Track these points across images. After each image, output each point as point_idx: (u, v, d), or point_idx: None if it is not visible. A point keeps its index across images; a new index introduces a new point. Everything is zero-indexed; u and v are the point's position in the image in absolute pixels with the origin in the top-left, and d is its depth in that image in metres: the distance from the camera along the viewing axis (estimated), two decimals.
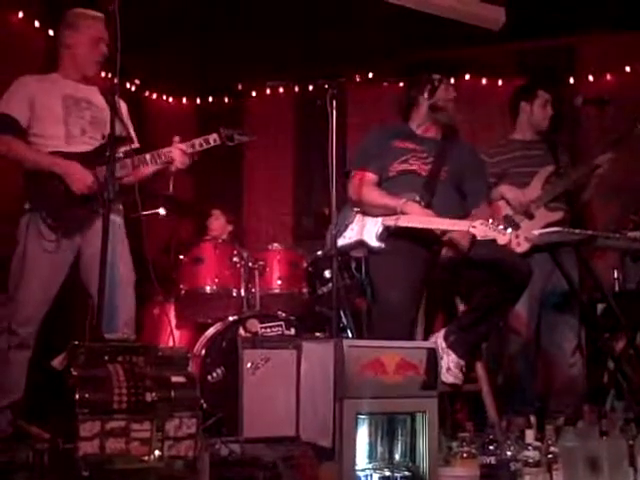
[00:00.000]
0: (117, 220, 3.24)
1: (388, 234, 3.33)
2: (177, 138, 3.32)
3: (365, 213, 3.45)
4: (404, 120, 3.62)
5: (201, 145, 3.35)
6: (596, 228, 4.32)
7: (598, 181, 3.93)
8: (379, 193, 3.43)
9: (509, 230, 3.16)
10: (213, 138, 3.37)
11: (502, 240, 3.08)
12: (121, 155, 3.14)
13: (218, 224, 5.18)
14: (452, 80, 3.69)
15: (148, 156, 3.28)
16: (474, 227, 3.12)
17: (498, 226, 3.12)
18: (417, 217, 3.28)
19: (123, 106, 3.42)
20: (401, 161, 3.47)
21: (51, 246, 3.13)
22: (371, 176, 3.46)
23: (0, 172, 3.68)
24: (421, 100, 3.54)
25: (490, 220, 3.14)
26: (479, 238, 3.12)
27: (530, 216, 3.81)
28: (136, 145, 3.29)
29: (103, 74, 3.46)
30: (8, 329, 3.12)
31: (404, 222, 3.28)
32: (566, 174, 3.90)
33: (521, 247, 3.72)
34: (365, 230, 3.40)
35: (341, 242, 3.39)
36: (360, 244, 3.41)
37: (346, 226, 3.48)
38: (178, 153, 3.28)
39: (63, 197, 3.17)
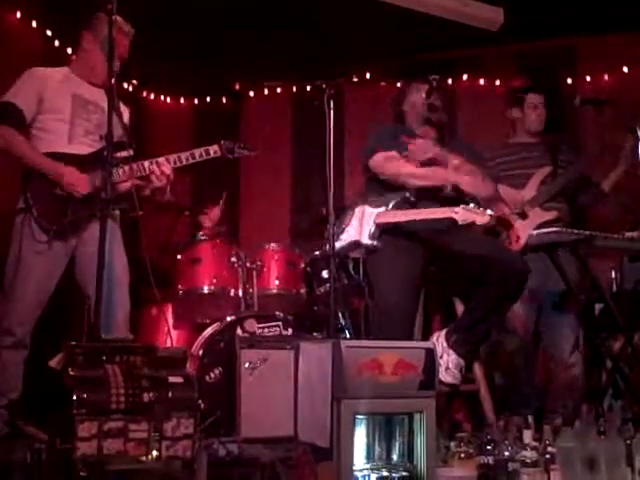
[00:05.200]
0: (112, 222, 3.22)
1: (380, 232, 3.33)
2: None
3: (393, 187, 3.37)
4: (400, 122, 3.61)
5: (201, 155, 3.33)
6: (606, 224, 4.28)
7: (625, 168, 3.90)
8: (414, 165, 3.36)
9: (488, 211, 3.07)
10: (214, 150, 3.35)
11: (480, 220, 3.01)
12: (119, 161, 3.11)
13: (214, 213, 5.11)
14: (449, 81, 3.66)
15: (147, 163, 3.25)
16: (456, 212, 3.05)
17: (479, 208, 3.04)
18: (398, 212, 3.25)
19: (125, 112, 3.41)
20: None
21: (42, 247, 3.12)
22: (394, 153, 3.40)
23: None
24: (417, 101, 3.53)
25: (472, 205, 3.07)
26: (460, 222, 3.04)
27: (524, 216, 3.82)
28: (131, 153, 3.23)
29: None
30: (3, 328, 3.11)
31: (387, 218, 3.25)
32: (562, 174, 3.90)
33: (516, 245, 3.71)
34: (361, 231, 3.40)
35: (337, 245, 3.38)
36: (355, 245, 3.40)
37: (342, 229, 3.47)
38: (167, 165, 3.25)
39: (58, 198, 3.16)
